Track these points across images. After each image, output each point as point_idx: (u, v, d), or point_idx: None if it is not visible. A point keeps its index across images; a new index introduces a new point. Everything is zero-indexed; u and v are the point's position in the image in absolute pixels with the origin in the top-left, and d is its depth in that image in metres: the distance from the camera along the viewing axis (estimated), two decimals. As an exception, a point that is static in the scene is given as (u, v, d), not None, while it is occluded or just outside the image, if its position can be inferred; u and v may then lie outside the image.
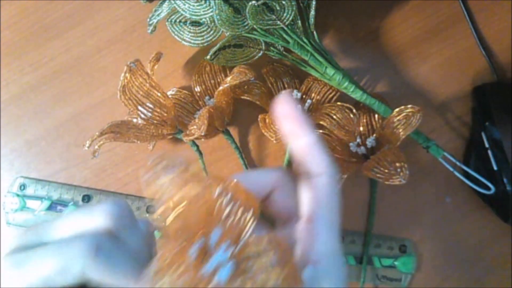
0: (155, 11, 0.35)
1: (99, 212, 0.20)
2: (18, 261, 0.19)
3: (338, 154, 0.36)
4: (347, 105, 0.35)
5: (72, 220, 0.21)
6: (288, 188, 0.23)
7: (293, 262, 0.20)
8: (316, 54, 0.34)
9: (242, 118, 0.38)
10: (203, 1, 0.33)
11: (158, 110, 0.34)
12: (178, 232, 0.19)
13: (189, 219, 0.19)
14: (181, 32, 0.35)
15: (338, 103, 0.35)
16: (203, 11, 0.33)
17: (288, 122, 0.22)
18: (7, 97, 0.40)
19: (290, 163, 0.37)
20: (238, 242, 0.20)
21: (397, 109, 0.33)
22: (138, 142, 0.34)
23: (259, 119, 0.35)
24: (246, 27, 0.33)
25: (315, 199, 0.21)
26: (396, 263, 0.36)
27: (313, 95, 0.37)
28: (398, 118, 0.33)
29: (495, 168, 0.34)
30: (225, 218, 0.20)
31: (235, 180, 0.20)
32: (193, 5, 0.33)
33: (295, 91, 0.37)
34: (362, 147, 0.36)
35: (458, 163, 0.34)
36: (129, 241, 0.20)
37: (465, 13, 0.38)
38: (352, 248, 0.37)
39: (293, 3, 0.33)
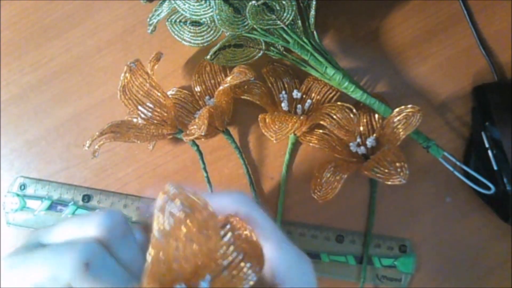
0: (155, 11, 0.35)
1: (91, 223, 0.20)
2: (15, 264, 0.20)
3: (338, 154, 0.36)
4: (347, 105, 0.35)
5: (67, 227, 0.21)
6: (247, 214, 0.22)
7: None
8: (316, 54, 0.34)
9: (242, 118, 0.38)
10: (203, 1, 0.33)
11: (158, 110, 0.34)
12: (163, 271, 0.18)
13: (178, 258, 0.18)
14: (181, 32, 0.35)
15: (338, 103, 0.35)
16: (203, 11, 0.33)
17: None
18: (7, 97, 0.40)
19: (290, 164, 0.38)
20: None
21: (397, 109, 0.33)
22: (138, 142, 0.34)
23: (259, 119, 0.35)
24: (246, 27, 0.33)
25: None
26: (396, 263, 0.36)
27: (313, 95, 0.37)
28: (398, 118, 0.33)
29: (495, 168, 0.34)
30: (223, 266, 0.19)
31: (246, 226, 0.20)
32: (193, 5, 0.33)
33: (295, 91, 0.37)
34: (362, 147, 0.36)
35: (458, 163, 0.34)
36: (122, 252, 0.20)
37: (465, 13, 0.38)
38: (352, 248, 0.37)
39: (293, 3, 0.33)
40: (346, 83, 0.34)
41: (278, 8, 0.33)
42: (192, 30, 0.35)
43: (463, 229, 0.37)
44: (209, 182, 0.37)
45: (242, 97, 0.36)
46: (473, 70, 0.38)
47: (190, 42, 0.35)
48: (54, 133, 0.39)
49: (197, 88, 0.38)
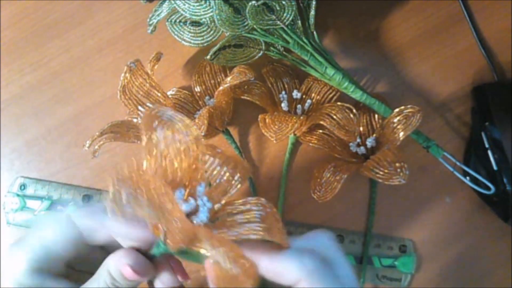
0: (155, 11, 0.35)
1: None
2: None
3: (338, 154, 0.36)
4: (347, 105, 0.35)
5: None
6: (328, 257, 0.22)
7: (279, 225, 0.22)
8: (316, 54, 0.34)
9: (242, 118, 0.38)
10: (203, 1, 0.33)
11: (158, 110, 0.34)
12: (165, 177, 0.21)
13: (175, 171, 0.22)
14: (181, 32, 0.35)
15: (338, 103, 0.35)
16: (203, 11, 0.33)
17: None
18: (7, 97, 0.40)
19: (290, 164, 0.37)
20: (221, 198, 0.23)
21: (397, 109, 0.33)
22: (138, 142, 0.34)
23: (259, 119, 0.35)
24: (246, 27, 0.33)
25: None
26: (396, 263, 0.36)
27: (313, 95, 0.37)
28: (398, 118, 0.33)
29: (495, 168, 0.34)
30: (212, 176, 0.23)
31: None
32: (193, 5, 0.33)
33: (295, 91, 0.37)
34: (362, 147, 0.36)
35: (458, 163, 0.34)
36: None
37: (465, 13, 0.38)
38: (352, 248, 0.37)
39: (293, 3, 0.33)
40: (346, 83, 0.34)
41: (278, 8, 0.33)
42: (192, 30, 0.35)
43: (463, 229, 0.37)
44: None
45: (242, 97, 0.36)
46: (473, 70, 0.38)
47: (190, 42, 0.35)
48: (54, 133, 0.39)
49: (197, 88, 0.38)
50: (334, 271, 0.22)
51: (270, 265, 0.22)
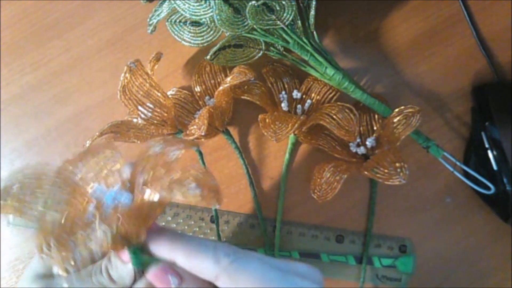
0: (155, 11, 0.35)
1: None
2: None
3: (338, 154, 0.36)
4: (347, 105, 0.35)
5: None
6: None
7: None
8: (316, 54, 0.34)
9: (242, 118, 0.38)
10: (203, 1, 0.33)
11: (158, 110, 0.34)
12: None
13: None
14: (181, 32, 0.35)
15: (338, 103, 0.35)
16: (203, 11, 0.33)
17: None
18: (7, 97, 0.40)
19: (290, 164, 0.38)
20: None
21: (397, 109, 0.33)
22: (138, 142, 0.34)
23: (259, 119, 0.35)
24: (246, 27, 0.33)
25: None
26: (396, 263, 0.36)
27: (313, 95, 0.37)
28: (398, 118, 0.33)
29: (495, 168, 0.34)
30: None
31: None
32: (193, 5, 0.33)
33: (295, 91, 0.37)
34: (362, 147, 0.36)
35: (458, 163, 0.34)
36: None
37: (465, 13, 0.38)
38: (352, 248, 0.37)
39: (293, 3, 0.33)
40: (346, 83, 0.34)
41: (278, 8, 0.33)
42: (192, 30, 0.35)
43: (463, 229, 0.37)
44: (209, 182, 0.37)
45: (242, 97, 0.36)
46: (473, 70, 0.38)
47: (190, 42, 0.35)
48: (54, 133, 0.39)
49: (197, 88, 0.38)
50: (247, 265, 0.22)
51: (187, 262, 0.22)
